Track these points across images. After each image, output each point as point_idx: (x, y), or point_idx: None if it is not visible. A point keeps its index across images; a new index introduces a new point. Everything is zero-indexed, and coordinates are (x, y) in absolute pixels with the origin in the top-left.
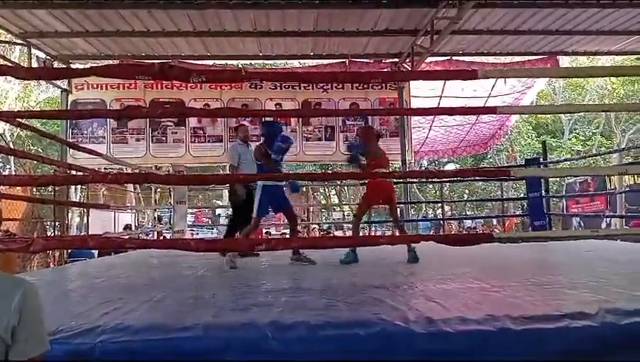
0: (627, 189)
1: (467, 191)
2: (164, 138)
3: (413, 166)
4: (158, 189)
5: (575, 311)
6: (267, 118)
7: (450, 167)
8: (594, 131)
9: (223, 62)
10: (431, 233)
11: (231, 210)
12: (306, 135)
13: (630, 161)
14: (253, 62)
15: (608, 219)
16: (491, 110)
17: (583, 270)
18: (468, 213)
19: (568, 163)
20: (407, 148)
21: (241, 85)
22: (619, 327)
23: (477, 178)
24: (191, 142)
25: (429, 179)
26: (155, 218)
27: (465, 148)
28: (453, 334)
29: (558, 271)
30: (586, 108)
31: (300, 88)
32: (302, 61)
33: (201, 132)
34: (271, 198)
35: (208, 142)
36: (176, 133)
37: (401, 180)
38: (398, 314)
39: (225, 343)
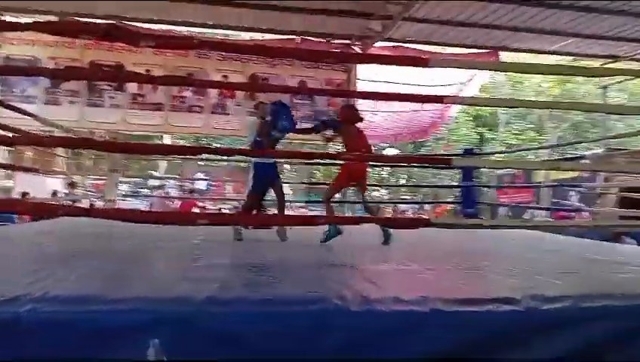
0: (555, 183)
1: (404, 176)
2: (100, 102)
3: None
4: (92, 155)
5: (502, 296)
6: (280, 99)
7: (390, 151)
8: (527, 126)
9: (169, 27)
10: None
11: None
12: (251, 110)
13: (557, 157)
14: (200, 30)
15: (533, 211)
16: (438, 99)
17: (509, 257)
18: (403, 197)
19: (502, 155)
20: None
21: (187, 53)
22: (541, 312)
23: (422, 165)
24: (129, 108)
25: (377, 164)
26: (85, 185)
27: (406, 135)
28: (387, 313)
29: (486, 257)
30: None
31: (248, 62)
32: (251, 34)
33: (141, 99)
34: (264, 176)
35: (148, 109)
36: (113, 98)
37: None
38: (334, 292)
39: (155, 318)
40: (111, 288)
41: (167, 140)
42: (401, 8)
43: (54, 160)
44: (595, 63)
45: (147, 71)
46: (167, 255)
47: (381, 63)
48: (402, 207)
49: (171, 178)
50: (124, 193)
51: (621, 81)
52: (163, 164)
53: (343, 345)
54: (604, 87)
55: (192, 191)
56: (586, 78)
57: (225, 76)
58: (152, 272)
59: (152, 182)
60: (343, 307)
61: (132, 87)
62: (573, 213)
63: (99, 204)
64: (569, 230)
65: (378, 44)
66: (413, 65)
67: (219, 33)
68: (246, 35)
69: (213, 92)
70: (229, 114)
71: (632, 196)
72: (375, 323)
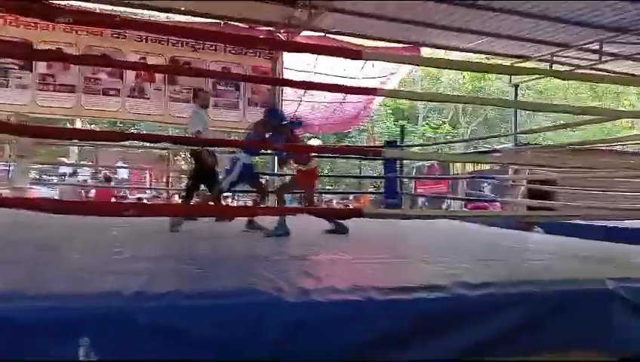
0: (471, 176)
1: (327, 167)
2: (5, 82)
3: None
4: None
5: (430, 283)
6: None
7: (313, 142)
8: (444, 120)
9: (80, 3)
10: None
11: (192, 175)
12: (172, 95)
13: (472, 150)
14: (113, 8)
15: (449, 201)
16: (372, 91)
17: (432, 246)
18: (327, 187)
19: (420, 147)
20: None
21: (101, 32)
22: (467, 298)
23: (353, 155)
24: (38, 89)
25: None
26: None
27: (330, 126)
28: (325, 303)
29: (411, 246)
30: (444, 99)
31: (168, 44)
32: (170, 15)
33: (51, 79)
34: (246, 175)
35: (59, 91)
36: (20, 77)
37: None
38: (271, 284)
39: (81, 314)
40: (29, 284)
41: (78, 125)
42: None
43: None
44: (507, 62)
45: (58, 49)
46: (86, 247)
47: (314, 52)
48: (327, 196)
49: (94, 166)
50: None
51: (530, 80)
52: (74, 151)
53: (280, 337)
54: (516, 86)
55: (108, 179)
56: (499, 75)
57: (143, 58)
58: (72, 266)
59: (62, 170)
60: (280, 298)
61: (41, 66)
62: (486, 204)
63: (5, 192)
64: (483, 219)
65: (304, 33)
66: (347, 57)
67: (133, 12)
68: (162, 16)
69: (130, 74)
70: (147, 98)
71: (538, 188)
72: (312, 313)
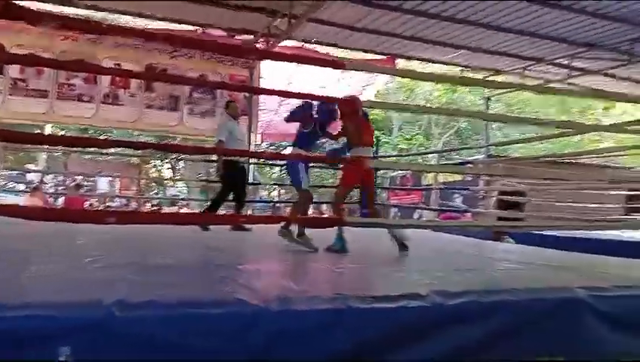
0: (444, 186)
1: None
2: None
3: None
4: None
5: (411, 292)
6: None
7: (289, 150)
8: (417, 132)
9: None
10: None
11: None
12: (147, 102)
13: (445, 161)
14: (89, 13)
15: (420, 211)
16: (350, 99)
17: (409, 255)
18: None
19: (396, 158)
20: (253, 129)
21: (77, 37)
22: (445, 307)
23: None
24: (9, 94)
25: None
26: None
27: None
28: (308, 312)
29: (388, 255)
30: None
31: (144, 51)
32: (147, 22)
33: (23, 84)
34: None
35: (31, 96)
36: None
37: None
38: (253, 293)
39: (61, 324)
40: (4, 292)
41: (47, 131)
42: (307, 9)
43: None
44: (479, 75)
45: (31, 54)
46: (59, 255)
47: (298, 62)
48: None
49: (80, 174)
50: None
51: (501, 93)
52: (42, 157)
53: (261, 346)
54: (487, 98)
55: (78, 186)
56: (471, 88)
57: (118, 64)
58: (47, 273)
59: (30, 177)
60: (262, 307)
61: (13, 70)
62: (458, 214)
63: None
64: (454, 230)
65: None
66: (331, 67)
67: (110, 18)
68: (141, 22)
69: (105, 80)
70: (122, 104)
71: (508, 199)
72: (293, 322)
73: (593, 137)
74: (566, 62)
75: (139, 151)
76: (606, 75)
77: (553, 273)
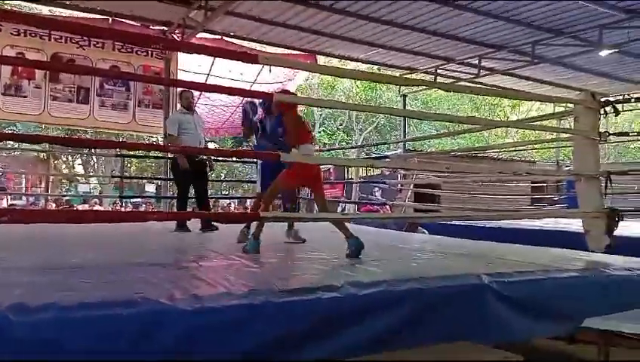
0: (364, 180)
1: (224, 171)
2: None
3: None
4: None
5: (325, 283)
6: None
7: (210, 145)
8: (338, 127)
9: None
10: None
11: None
12: (53, 93)
13: (364, 155)
14: None
15: (343, 204)
16: (269, 95)
17: (328, 247)
18: (224, 192)
19: (319, 153)
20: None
21: None
22: (358, 297)
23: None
24: None
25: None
26: None
27: (227, 130)
28: (219, 309)
29: (304, 248)
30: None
31: (49, 39)
32: (54, 9)
33: None
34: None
35: None
36: None
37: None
38: (162, 292)
39: None
40: None
41: None
42: (223, 1)
43: None
44: (397, 73)
45: None
46: None
47: (212, 55)
48: (225, 201)
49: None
50: None
51: (417, 91)
52: None
53: (172, 346)
54: (404, 96)
55: None
56: (389, 86)
57: (21, 54)
58: None
59: None
60: (172, 306)
61: None
62: (377, 206)
63: None
64: (372, 221)
65: (200, 34)
66: (243, 60)
67: (12, 4)
68: (45, 9)
69: (5, 70)
70: (25, 96)
71: (423, 191)
72: (206, 320)
73: (501, 133)
74: (475, 61)
75: (47, 146)
76: (512, 75)
77: (462, 261)
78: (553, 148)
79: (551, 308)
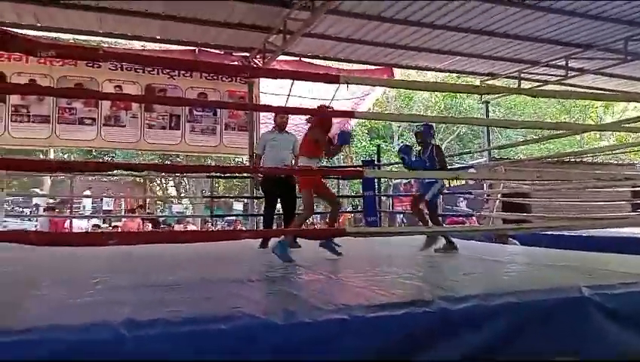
0: (448, 191)
1: None
2: None
3: None
4: None
5: (415, 298)
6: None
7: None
8: None
9: (54, 34)
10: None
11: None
12: (148, 122)
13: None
14: (88, 38)
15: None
16: (349, 114)
17: (413, 261)
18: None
19: (397, 166)
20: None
21: (76, 62)
22: (451, 311)
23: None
24: (12, 121)
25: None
26: None
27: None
28: (312, 324)
29: (392, 262)
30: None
31: (143, 72)
32: (145, 44)
33: (25, 110)
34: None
35: (32, 122)
36: None
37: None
38: (257, 307)
39: (70, 346)
40: (8, 316)
41: (51, 155)
42: (301, 24)
43: None
44: (477, 80)
45: (31, 80)
46: (62, 278)
47: (293, 79)
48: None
49: (87, 196)
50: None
51: (500, 97)
52: (47, 181)
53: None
54: (486, 102)
55: (53, 208)
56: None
57: (118, 87)
58: (50, 297)
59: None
60: (269, 321)
61: (14, 97)
62: (463, 218)
63: None
64: (457, 234)
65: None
66: (325, 81)
67: (107, 41)
68: (137, 44)
69: (106, 103)
70: (123, 126)
71: (512, 200)
72: (301, 334)
73: (595, 135)
74: (562, 63)
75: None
76: (603, 74)
77: (558, 273)
78: None
79: None
